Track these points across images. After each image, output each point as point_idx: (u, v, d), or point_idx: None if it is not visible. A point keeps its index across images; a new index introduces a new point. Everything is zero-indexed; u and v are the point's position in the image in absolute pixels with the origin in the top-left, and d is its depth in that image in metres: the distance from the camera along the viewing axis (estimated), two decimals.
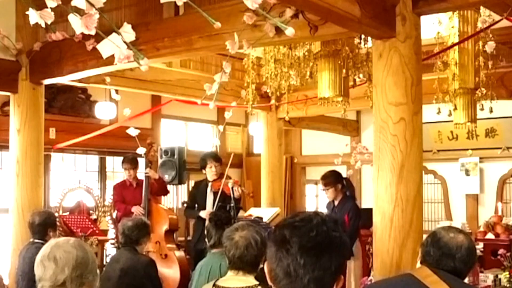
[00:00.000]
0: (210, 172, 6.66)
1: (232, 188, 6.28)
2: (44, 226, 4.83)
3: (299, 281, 1.50)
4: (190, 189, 7.31)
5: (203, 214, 6.60)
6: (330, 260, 1.51)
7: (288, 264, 1.50)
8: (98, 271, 2.26)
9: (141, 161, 7.36)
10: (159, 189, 7.21)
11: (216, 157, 6.76)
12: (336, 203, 6.22)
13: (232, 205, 6.04)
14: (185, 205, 8.74)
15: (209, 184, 6.67)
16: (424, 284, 2.49)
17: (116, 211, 7.56)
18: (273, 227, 1.76)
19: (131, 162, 7.18)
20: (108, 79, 6.36)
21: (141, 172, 7.31)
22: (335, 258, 1.52)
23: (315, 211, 1.60)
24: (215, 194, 6.53)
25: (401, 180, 3.74)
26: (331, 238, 1.52)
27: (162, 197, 8.86)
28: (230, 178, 6.61)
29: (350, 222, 5.98)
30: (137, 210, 6.88)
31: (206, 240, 5.42)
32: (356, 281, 6.03)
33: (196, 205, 6.85)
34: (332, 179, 6.23)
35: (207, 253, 6.26)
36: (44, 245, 2.29)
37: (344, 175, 6.73)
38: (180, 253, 6.83)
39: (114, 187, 7.54)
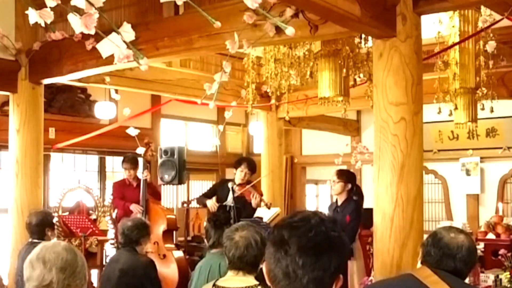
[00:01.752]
0: (239, 174, 6.67)
1: (253, 194, 6.31)
2: (41, 226, 4.82)
3: (298, 282, 1.48)
4: (215, 182, 7.32)
5: (209, 203, 6.66)
6: (329, 260, 1.50)
7: (287, 264, 1.49)
8: (86, 276, 2.25)
9: (141, 161, 7.35)
10: (151, 194, 7.21)
11: (250, 165, 6.74)
12: (339, 202, 6.15)
13: (232, 205, 6.03)
14: (184, 205, 8.76)
15: (234, 185, 6.69)
16: (425, 284, 2.48)
17: (115, 210, 7.54)
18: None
19: (131, 162, 7.17)
20: (107, 79, 6.35)
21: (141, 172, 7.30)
22: (334, 258, 1.51)
23: (313, 210, 1.59)
24: (235, 196, 6.55)
25: (402, 180, 3.73)
26: (330, 238, 1.51)
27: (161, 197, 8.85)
28: (255, 187, 6.62)
29: (349, 223, 5.94)
30: (135, 208, 6.87)
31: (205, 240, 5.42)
32: (359, 281, 6.01)
33: (216, 199, 6.89)
34: (346, 176, 6.16)
35: None
36: (35, 247, 2.28)
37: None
38: (178, 253, 6.82)
39: (113, 184, 7.52)
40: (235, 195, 6.52)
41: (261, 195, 6.70)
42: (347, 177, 6.17)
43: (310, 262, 1.48)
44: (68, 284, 2.15)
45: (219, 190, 6.87)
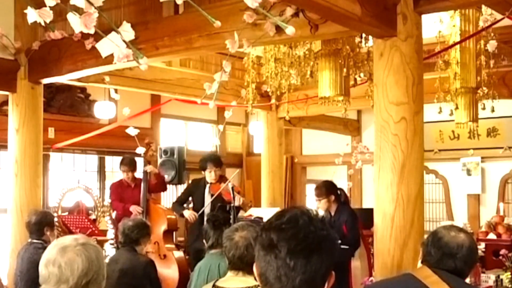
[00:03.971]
0: (209, 176, 6.59)
1: (234, 196, 6.19)
2: (40, 225, 4.81)
3: (290, 284, 1.47)
4: (187, 184, 7.23)
5: (186, 213, 6.64)
6: (320, 260, 1.48)
7: (278, 268, 1.48)
8: (105, 275, 2.20)
9: (140, 161, 7.33)
10: (158, 184, 7.16)
11: (216, 162, 6.65)
12: (332, 213, 5.96)
13: (232, 205, 6.01)
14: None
15: (208, 185, 6.63)
16: (425, 284, 2.47)
17: (114, 211, 7.51)
18: None
19: (129, 164, 7.12)
20: (107, 78, 6.33)
21: (140, 172, 7.26)
22: (325, 258, 1.49)
23: (301, 209, 1.55)
24: (212, 196, 6.49)
25: (402, 180, 3.71)
26: (319, 238, 1.49)
27: (161, 197, 8.83)
28: (230, 182, 6.53)
29: (349, 232, 5.80)
30: (135, 209, 6.85)
31: (204, 240, 5.35)
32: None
33: (192, 203, 6.82)
34: (324, 190, 5.96)
35: (204, 253, 6.26)
36: (50, 245, 2.21)
37: (345, 179, 6.60)
38: (179, 254, 6.80)
39: (111, 186, 7.48)
40: (211, 192, 6.47)
41: (239, 192, 6.57)
42: (326, 189, 5.98)
43: (301, 264, 1.46)
44: None
45: (194, 193, 6.80)
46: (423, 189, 3.86)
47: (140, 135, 6.43)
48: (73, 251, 2.14)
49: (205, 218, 6.44)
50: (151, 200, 7.09)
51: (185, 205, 6.96)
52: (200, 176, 6.93)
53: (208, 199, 6.57)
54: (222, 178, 6.66)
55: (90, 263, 2.14)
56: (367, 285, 4.97)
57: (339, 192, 6.08)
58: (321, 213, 5.86)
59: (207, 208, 6.53)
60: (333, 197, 5.95)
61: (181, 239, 8.19)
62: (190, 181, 7.24)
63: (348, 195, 10.21)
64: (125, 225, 4.69)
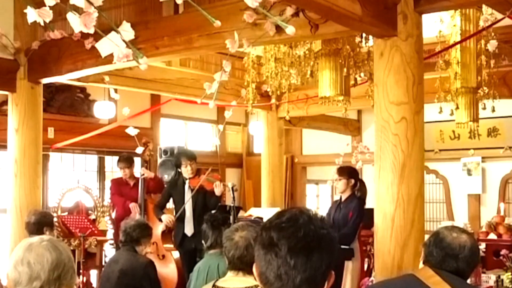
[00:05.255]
0: (185, 171, 6.56)
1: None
2: (39, 224, 4.81)
3: (291, 283, 1.48)
4: (165, 187, 7.19)
5: (164, 218, 6.62)
6: (320, 259, 1.49)
7: (278, 266, 1.48)
8: (75, 270, 2.19)
9: (138, 160, 7.33)
10: (155, 187, 7.16)
11: (189, 156, 6.64)
12: (343, 198, 6.14)
13: (232, 205, 5.99)
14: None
15: (187, 181, 6.60)
16: (427, 284, 2.48)
17: (114, 210, 7.51)
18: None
19: (126, 161, 7.15)
20: (107, 78, 6.32)
21: (138, 172, 7.26)
22: (325, 256, 1.50)
23: (300, 208, 1.57)
24: (193, 191, 6.45)
25: (403, 180, 3.70)
26: (319, 237, 1.50)
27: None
28: (210, 174, 6.48)
29: (351, 220, 5.92)
30: (134, 207, 6.84)
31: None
32: (353, 282, 5.98)
33: (173, 203, 6.79)
34: (347, 172, 6.16)
35: (195, 253, 6.23)
36: (16, 247, 2.19)
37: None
38: (177, 254, 6.79)
39: (111, 181, 7.51)
40: (191, 187, 6.43)
41: (220, 180, 6.52)
42: (349, 173, 6.17)
43: (302, 262, 1.47)
44: (60, 284, 2.11)
45: (173, 193, 6.76)
46: (424, 189, 3.85)
47: (140, 135, 6.42)
48: (39, 247, 2.13)
49: (186, 214, 6.46)
50: (149, 200, 7.08)
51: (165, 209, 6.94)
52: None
53: (188, 195, 6.51)
54: (199, 171, 6.64)
55: (59, 255, 2.12)
56: (368, 285, 4.96)
57: (358, 183, 6.20)
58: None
59: (188, 204, 6.49)
60: (352, 182, 6.11)
61: None
62: (168, 184, 7.20)
63: None
64: (127, 224, 4.72)
